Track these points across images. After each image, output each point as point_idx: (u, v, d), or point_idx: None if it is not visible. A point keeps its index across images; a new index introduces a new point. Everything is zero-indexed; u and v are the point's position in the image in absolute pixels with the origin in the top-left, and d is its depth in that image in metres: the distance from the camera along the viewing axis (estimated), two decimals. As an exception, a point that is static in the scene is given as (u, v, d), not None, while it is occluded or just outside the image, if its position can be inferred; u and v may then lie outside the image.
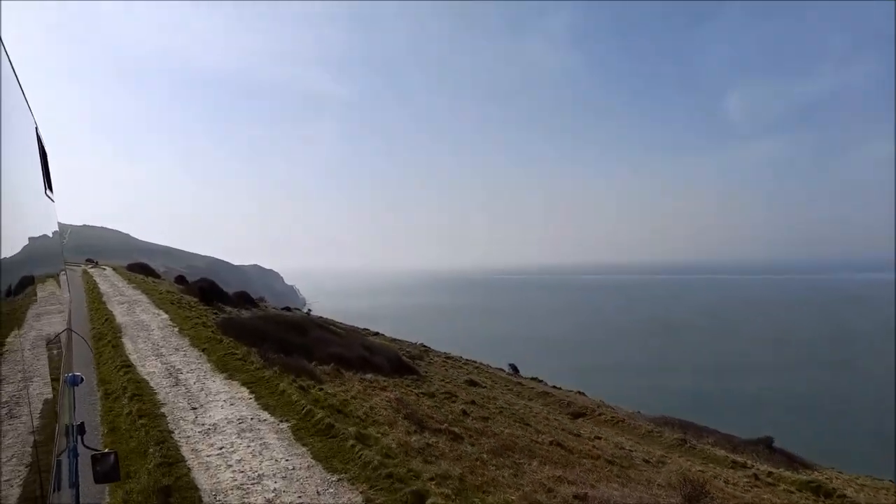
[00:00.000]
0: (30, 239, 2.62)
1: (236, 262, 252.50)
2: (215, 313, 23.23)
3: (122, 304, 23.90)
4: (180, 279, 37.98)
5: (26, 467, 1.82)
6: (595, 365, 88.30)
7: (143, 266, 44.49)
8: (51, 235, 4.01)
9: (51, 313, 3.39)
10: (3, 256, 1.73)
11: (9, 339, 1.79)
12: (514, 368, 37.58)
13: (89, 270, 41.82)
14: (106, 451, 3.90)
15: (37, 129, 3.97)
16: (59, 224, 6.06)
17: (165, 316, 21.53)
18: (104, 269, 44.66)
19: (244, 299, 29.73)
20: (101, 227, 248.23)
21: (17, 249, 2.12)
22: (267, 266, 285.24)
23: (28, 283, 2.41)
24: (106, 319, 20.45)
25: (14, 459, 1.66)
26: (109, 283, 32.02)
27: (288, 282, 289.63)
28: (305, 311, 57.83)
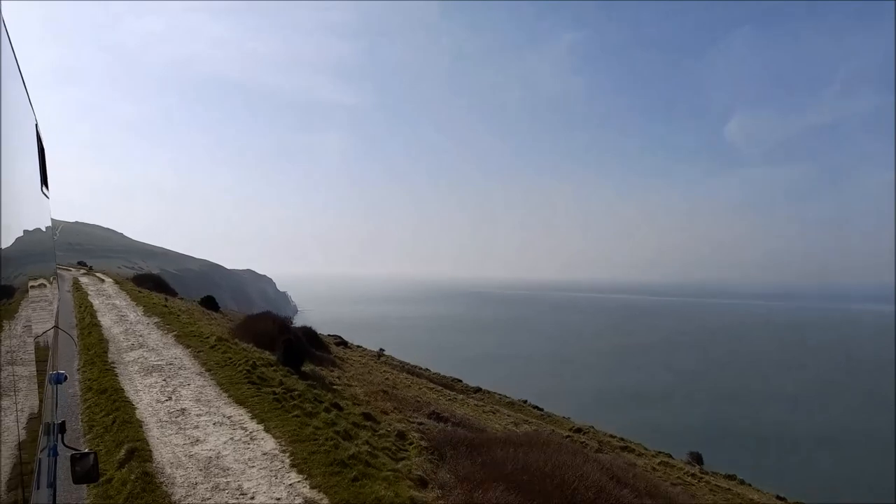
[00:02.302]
0: (24, 233, 2.58)
1: (229, 266, 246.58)
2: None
3: (162, 388, 11.89)
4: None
5: (10, 466, 1.78)
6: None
7: (155, 280, 38.13)
8: (44, 231, 3.97)
9: (40, 310, 3.31)
10: None
11: None
12: (698, 459, 26.89)
13: (81, 280, 36.89)
14: (86, 451, 3.94)
15: (37, 125, 4.03)
16: (52, 220, 5.47)
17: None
18: (102, 280, 38.28)
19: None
20: (95, 225, 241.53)
21: (10, 244, 2.11)
22: (260, 271, 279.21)
23: (19, 278, 2.38)
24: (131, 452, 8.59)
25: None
26: (116, 312, 21.95)
27: (280, 288, 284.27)
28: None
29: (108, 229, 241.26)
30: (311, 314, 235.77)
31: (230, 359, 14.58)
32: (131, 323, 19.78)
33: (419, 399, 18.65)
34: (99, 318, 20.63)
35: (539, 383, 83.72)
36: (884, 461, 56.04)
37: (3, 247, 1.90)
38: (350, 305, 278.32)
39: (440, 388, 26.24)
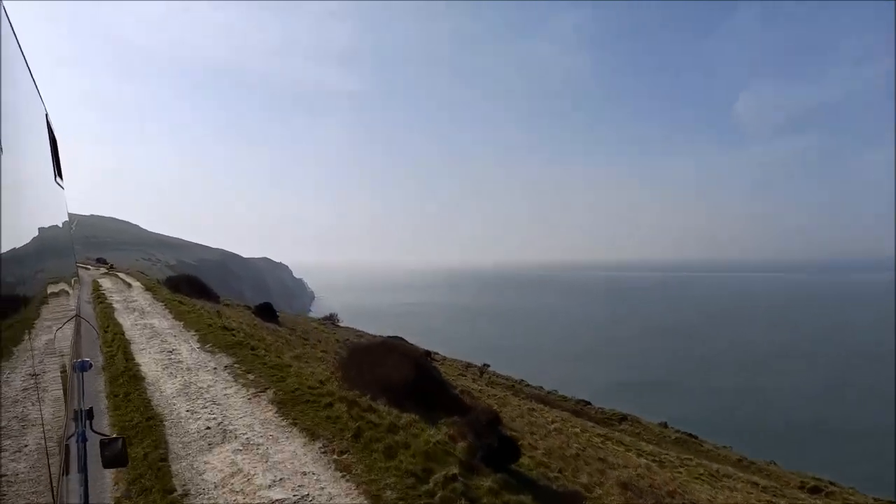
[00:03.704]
0: (40, 227, 2.51)
1: (245, 255, 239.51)
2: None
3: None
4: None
5: (37, 452, 1.78)
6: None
7: (191, 283, 28.64)
8: (61, 223, 3.95)
9: (60, 300, 3.25)
10: (15, 243, 1.71)
11: (21, 326, 1.76)
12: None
13: (102, 285, 29.42)
14: (114, 436, 3.80)
15: (47, 115, 3.96)
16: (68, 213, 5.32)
17: None
18: (128, 284, 30.09)
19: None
20: (110, 218, 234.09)
21: (29, 236, 2.09)
22: (276, 259, 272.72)
23: (39, 269, 2.34)
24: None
25: (26, 444, 1.63)
26: (160, 343, 14.80)
27: (296, 275, 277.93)
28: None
29: (123, 221, 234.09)
30: (327, 301, 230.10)
31: (407, 469, 7.29)
32: (189, 369, 12.31)
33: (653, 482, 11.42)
34: (137, 359, 13.24)
35: (561, 371, 77.46)
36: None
37: (21, 239, 1.88)
38: (366, 293, 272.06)
39: (598, 426, 18.90)
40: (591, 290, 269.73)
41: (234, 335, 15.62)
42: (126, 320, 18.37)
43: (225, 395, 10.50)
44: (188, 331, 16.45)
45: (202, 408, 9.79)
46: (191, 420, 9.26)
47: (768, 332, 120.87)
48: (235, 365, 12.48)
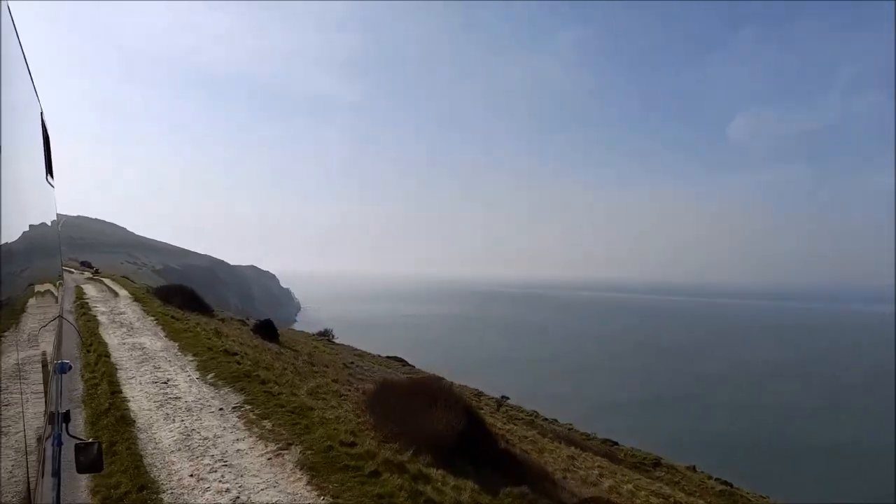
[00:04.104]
0: (30, 225, 2.52)
1: (233, 262, 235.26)
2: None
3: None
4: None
5: (16, 453, 1.77)
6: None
7: (185, 294, 25.72)
8: (49, 222, 3.88)
9: (46, 300, 3.19)
10: (5, 240, 1.69)
11: (5, 324, 1.73)
12: None
13: (87, 292, 26.87)
14: (90, 440, 3.81)
15: (41, 113, 3.93)
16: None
17: None
18: (115, 292, 27.15)
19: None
20: (97, 220, 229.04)
21: (18, 233, 2.07)
22: (263, 268, 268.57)
23: (25, 268, 2.31)
24: None
25: (6, 445, 1.62)
26: (152, 368, 12.65)
27: (283, 284, 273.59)
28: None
29: (109, 223, 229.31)
30: (315, 312, 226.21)
31: None
32: (190, 408, 10.01)
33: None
34: (125, 391, 10.92)
35: (552, 389, 75.51)
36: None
37: (10, 238, 1.85)
38: (357, 304, 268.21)
39: (633, 472, 16.78)
40: (579, 309, 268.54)
41: (238, 363, 13.34)
42: (112, 338, 15.99)
43: (238, 451, 8.25)
44: (185, 354, 14.14)
45: (210, 471, 7.54)
46: (196, 491, 7.01)
47: (761, 356, 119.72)
48: (246, 406, 10.22)
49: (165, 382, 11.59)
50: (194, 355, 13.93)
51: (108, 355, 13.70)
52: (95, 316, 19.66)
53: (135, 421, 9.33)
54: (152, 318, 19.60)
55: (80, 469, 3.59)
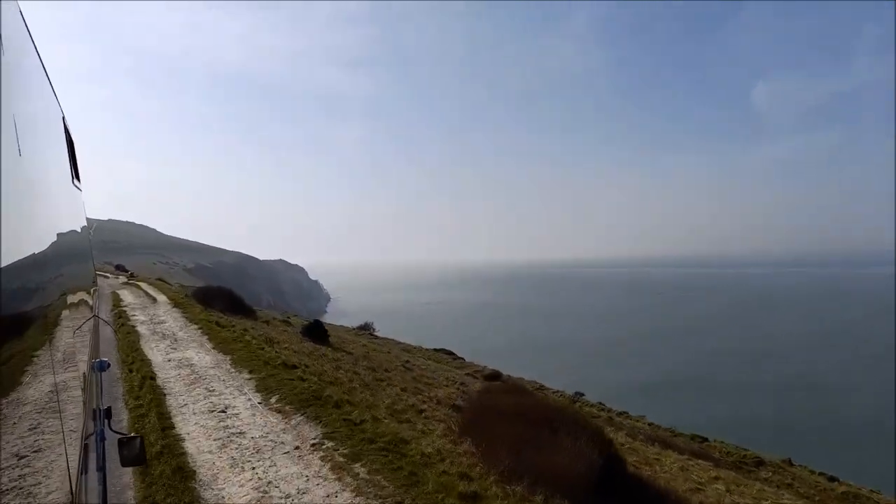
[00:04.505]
0: (58, 232, 2.47)
1: (261, 257, 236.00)
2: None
3: None
4: None
5: (58, 451, 1.78)
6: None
7: (224, 296, 23.86)
8: (79, 228, 3.93)
9: (80, 302, 3.19)
10: (35, 247, 1.71)
11: (42, 327, 1.76)
12: None
13: (123, 298, 25.30)
14: (132, 435, 3.78)
15: (64, 119, 3.93)
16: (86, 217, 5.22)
17: None
18: (153, 298, 25.37)
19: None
20: (127, 222, 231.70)
21: (48, 240, 2.08)
22: (292, 261, 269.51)
23: (59, 273, 2.33)
24: None
25: (47, 444, 1.64)
26: (206, 394, 10.61)
27: (312, 277, 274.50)
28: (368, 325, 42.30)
29: (140, 225, 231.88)
30: (342, 303, 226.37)
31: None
32: (259, 449, 7.88)
33: None
34: (178, 426, 9.03)
35: (580, 371, 72.92)
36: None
37: (42, 244, 1.87)
38: (383, 293, 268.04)
39: (738, 474, 14.53)
40: (604, 286, 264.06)
41: (302, 378, 11.37)
42: (155, 353, 14.20)
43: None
44: (239, 371, 12.23)
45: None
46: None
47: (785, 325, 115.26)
48: (327, 441, 8.21)
49: (224, 411, 9.67)
50: (250, 372, 12.02)
51: (153, 376, 11.86)
52: (135, 326, 17.96)
53: (195, 472, 7.37)
54: (195, 326, 17.82)
55: (125, 463, 3.61)
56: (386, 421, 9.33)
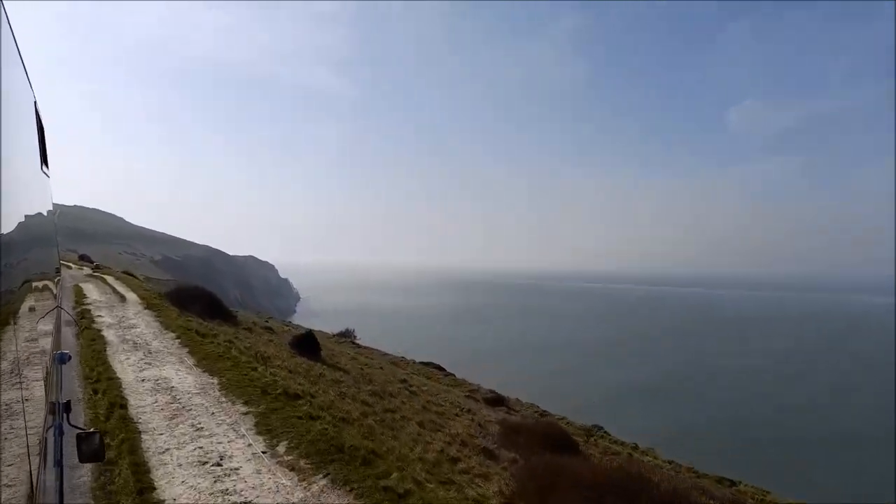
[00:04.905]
0: (25, 215, 2.48)
1: (231, 252, 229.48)
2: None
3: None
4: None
5: (18, 446, 1.75)
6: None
7: (202, 298, 21.26)
8: (45, 213, 3.85)
9: (43, 291, 3.17)
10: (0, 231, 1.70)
11: (4, 315, 1.72)
12: None
13: (88, 294, 22.44)
14: (91, 430, 3.60)
15: (35, 103, 3.85)
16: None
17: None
18: (122, 296, 22.02)
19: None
20: (94, 209, 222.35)
21: (13, 225, 2.04)
22: (262, 258, 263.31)
23: (22, 258, 2.29)
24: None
25: (9, 436, 1.60)
26: (192, 425, 8.54)
27: (282, 275, 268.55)
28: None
29: (107, 213, 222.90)
30: (312, 302, 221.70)
31: None
32: None
33: None
34: (159, 484, 6.73)
35: (548, 381, 71.78)
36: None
37: (7, 229, 1.83)
38: (355, 294, 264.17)
39: None
40: (577, 300, 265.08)
41: (311, 416, 9.17)
42: (126, 368, 11.76)
43: None
44: (232, 401, 9.94)
45: None
46: None
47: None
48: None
49: (219, 463, 7.40)
50: (246, 404, 9.74)
51: (123, 403, 9.49)
52: (101, 331, 15.39)
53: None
54: (172, 334, 15.34)
55: (83, 459, 3.47)
56: (430, 486, 7.23)
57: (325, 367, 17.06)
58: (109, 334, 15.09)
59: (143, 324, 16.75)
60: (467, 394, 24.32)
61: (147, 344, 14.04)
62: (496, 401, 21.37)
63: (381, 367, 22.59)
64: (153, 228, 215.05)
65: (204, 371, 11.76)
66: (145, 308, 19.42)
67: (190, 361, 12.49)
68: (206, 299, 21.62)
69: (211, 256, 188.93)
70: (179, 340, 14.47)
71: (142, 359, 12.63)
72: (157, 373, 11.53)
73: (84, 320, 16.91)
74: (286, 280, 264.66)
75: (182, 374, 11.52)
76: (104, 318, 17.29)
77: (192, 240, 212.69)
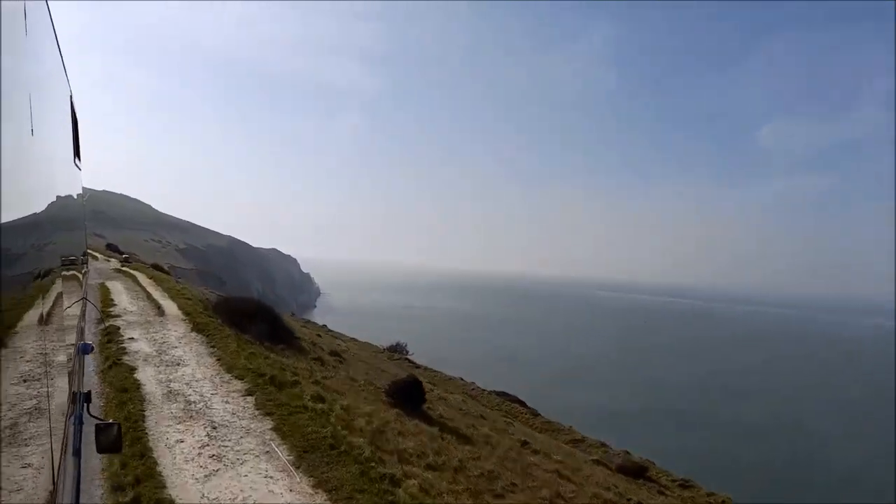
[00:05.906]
0: (58, 207, 2.46)
1: (255, 244, 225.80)
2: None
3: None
4: None
5: (42, 433, 1.73)
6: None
7: (261, 314, 15.26)
8: (75, 204, 3.77)
9: (70, 282, 3.13)
10: (33, 221, 1.67)
11: (27, 304, 1.68)
12: None
13: (115, 299, 17.35)
14: (109, 421, 3.51)
15: (71, 96, 3.88)
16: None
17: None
18: (158, 306, 16.83)
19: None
20: (122, 195, 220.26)
21: (45, 215, 2.02)
22: (285, 252, 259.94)
23: (50, 250, 2.25)
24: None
25: (34, 424, 1.59)
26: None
27: (304, 269, 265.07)
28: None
29: (135, 200, 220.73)
30: (332, 299, 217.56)
31: None
32: None
33: None
34: None
35: (554, 391, 66.23)
36: None
37: (40, 220, 1.82)
38: (373, 293, 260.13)
39: None
40: (589, 308, 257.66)
41: None
42: (183, 470, 6.71)
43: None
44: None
45: None
46: None
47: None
48: None
49: None
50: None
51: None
52: (134, 370, 10.37)
53: None
54: (238, 382, 10.27)
55: (100, 449, 3.42)
56: None
57: (439, 430, 11.89)
58: (147, 378, 10.06)
59: (193, 359, 11.69)
60: (570, 443, 19.10)
61: (207, 407, 8.93)
62: (636, 471, 16.06)
63: (483, 416, 17.34)
64: (178, 216, 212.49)
65: (313, 486, 6.63)
66: (192, 330, 14.36)
67: (284, 457, 7.36)
68: (264, 316, 16.54)
69: (234, 247, 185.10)
70: (254, 400, 9.37)
71: (204, 444, 7.53)
72: (235, 488, 6.41)
73: (111, 346, 11.98)
74: (308, 275, 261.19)
75: (279, 490, 6.40)
76: (139, 346, 12.29)
77: (215, 229, 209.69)
